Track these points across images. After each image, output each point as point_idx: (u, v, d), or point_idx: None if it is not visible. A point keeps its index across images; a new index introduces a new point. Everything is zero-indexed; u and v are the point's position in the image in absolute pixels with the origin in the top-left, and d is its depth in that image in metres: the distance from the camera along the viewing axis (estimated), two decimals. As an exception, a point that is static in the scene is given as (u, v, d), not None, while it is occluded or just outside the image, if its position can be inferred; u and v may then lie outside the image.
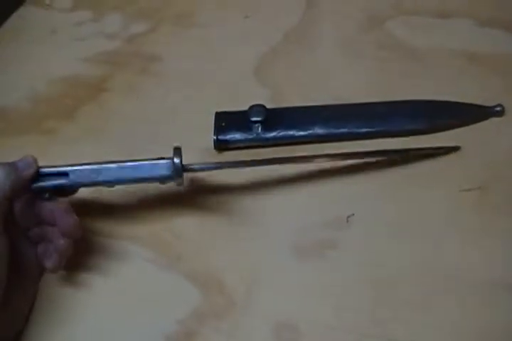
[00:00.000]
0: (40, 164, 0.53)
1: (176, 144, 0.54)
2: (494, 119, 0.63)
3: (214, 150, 0.64)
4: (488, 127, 0.63)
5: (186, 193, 0.58)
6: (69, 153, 0.64)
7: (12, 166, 0.51)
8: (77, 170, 0.54)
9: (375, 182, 0.60)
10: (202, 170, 0.56)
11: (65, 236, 0.53)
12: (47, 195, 0.53)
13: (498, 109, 0.63)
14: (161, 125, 0.66)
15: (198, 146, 0.64)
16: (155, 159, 0.54)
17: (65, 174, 0.53)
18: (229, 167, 0.57)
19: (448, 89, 0.65)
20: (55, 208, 0.53)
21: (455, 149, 0.61)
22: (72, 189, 0.55)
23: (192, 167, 0.55)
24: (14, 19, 0.79)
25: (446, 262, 0.55)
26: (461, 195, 0.58)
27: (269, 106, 0.63)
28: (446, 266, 0.54)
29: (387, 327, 0.52)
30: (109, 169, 0.54)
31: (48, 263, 0.53)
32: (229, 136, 0.63)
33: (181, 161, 0.53)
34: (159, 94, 0.69)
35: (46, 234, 0.54)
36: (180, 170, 0.53)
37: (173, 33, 0.74)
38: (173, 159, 0.53)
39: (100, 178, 0.54)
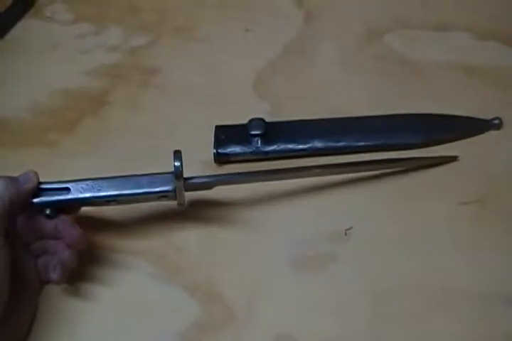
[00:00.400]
0: (41, 176, 0.54)
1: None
2: (492, 132, 0.64)
3: (214, 164, 0.64)
4: (486, 140, 0.63)
5: (186, 207, 0.58)
6: (69, 166, 0.65)
7: (12, 179, 0.52)
8: (78, 184, 0.54)
9: (373, 195, 0.60)
10: (202, 183, 0.56)
11: (70, 247, 0.53)
12: (48, 212, 0.53)
13: (496, 122, 0.63)
14: (162, 138, 0.66)
15: (199, 159, 0.64)
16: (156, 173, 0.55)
17: (66, 189, 0.54)
18: (228, 181, 0.58)
19: (446, 102, 0.66)
20: (59, 222, 0.53)
21: (453, 159, 0.61)
22: (73, 205, 0.55)
23: (193, 181, 0.56)
24: (15, 32, 0.80)
25: (444, 275, 0.55)
26: (459, 208, 0.59)
27: (268, 119, 0.64)
28: (444, 279, 0.55)
29: (385, 340, 0.52)
30: (111, 183, 0.54)
31: (53, 276, 0.53)
32: (229, 150, 0.63)
33: (181, 165, 0.53)
34: (160, 107, 0.70)
35: (48, 248, 0.54)
36: (180, 173, 0.53)
37: (174, 46, 0.75)
38: (173, 163, 0.53)
39: (101, 193, 0.54)
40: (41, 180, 0.54)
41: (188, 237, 0.59)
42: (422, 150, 0.63)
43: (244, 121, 0.64)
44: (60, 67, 0.75)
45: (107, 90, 0.72)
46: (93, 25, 0.79)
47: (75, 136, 0.68)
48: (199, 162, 0.64)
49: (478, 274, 0.55)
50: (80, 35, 0.78)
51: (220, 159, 0.64)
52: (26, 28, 0.80)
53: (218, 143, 0.64)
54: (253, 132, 0.62)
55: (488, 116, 0.64)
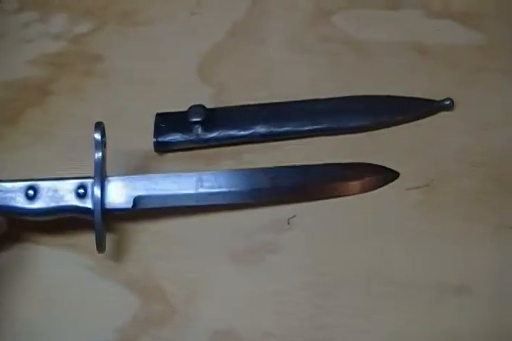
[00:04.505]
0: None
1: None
2: (443, 113, 0.61)
3: (155, 153, 0.62)
4: (437, 122, 0.61)
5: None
6: (14, 158, 0.63)
7: None
8: None
9: (317, 182, 0.58)
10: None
11: None
12: None
13: (447, 103, 0.61)
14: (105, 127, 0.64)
15: (139, 149, 0.62)
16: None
17: None
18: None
19: (397, 84, 0.63)
20: None
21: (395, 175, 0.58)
22: None
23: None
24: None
25: (392, 265, 0.53)
26: (408, 193, 0.57)
27: (213, 105, 0.62)
28: (392, 270, 0.53)
29: (328, 334, 0.51)
30: None
31: None
32: (169, 138, 0.61)
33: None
34: (103, 95, 0.67)
35: None
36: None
37: (118, 32, 0.72)
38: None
39: None
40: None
41: (127, 230, 0.57)
42: (371, 133, 0.61)
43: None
44: (4, 57, 0.73)
45: (51, 80, 0.69)
46: (38, 13, 0.76)
47: (18, 128, 0.66)
48: (140, 151, 0.62)
49: (426, 264, 0.53)
50: (25, 24, 0.75)
51: (160, 148, 0.61)
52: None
53: (158, 131, 0.61)
54: (193, 119, 0.60)
55: (440, 97, 0.61)
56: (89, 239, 0.55)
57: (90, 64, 0.70)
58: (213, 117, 0.61)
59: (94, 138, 0.54)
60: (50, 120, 0.66)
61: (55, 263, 0.57)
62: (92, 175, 0.54)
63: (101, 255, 0.55)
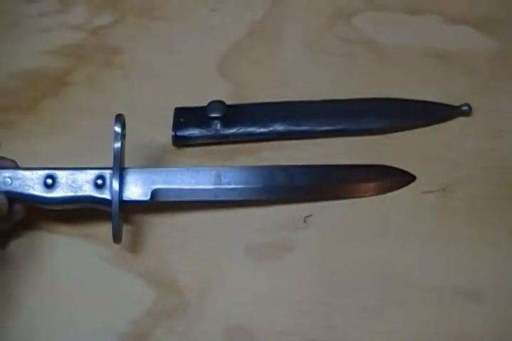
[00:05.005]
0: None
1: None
2: (461, 119, 0.62)
3: (173, 147, 0.62)
4: (455, 127, 0.61)
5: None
6: (31, 147, 0.63)
7: None
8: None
9: (333, 182, 0.59)
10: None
11: None
12: None
13: (465, 108, 0.61)
14: (124, 119, 0.65)
15: (158, 142, 0.62)
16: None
17: None
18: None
19: (414, 88, 0.64)
20: None
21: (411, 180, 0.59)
22: None
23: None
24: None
25: (404, 267, 0.54)
26: (423, 197, 0.57)
27: (232, 101, 0.62)
28: (404, 271, 0.54)
29: (340, 334, 0.51)
30: None
31: None
32: (188, 133, 0.61)
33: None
34: (122, 88, 0.67)
35: None
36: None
37: (138, 25, 0.72)
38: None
39: None
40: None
41: (144, 222, 0.58)
42: (388, 135, 0.61)
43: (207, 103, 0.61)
44: (22, 46, 0.72)
45: (69, 70, 0.69)
46: (58, 3, 0.76)
47: (34, 117, 0.66)
48: (158, 145, 0.62)
49: (440, 267, 0.54)
50: (43, 13, 0.75)
51: (179, 142, 0.62)
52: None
53: (177, 125, 0.62)
54: (212, 115, 0.60)
55: (457, 103, 0.62)
56: (105, 229, 0.55)
57: (109, 56, 0.70)
58: (232, 113, 0.61)
59: (114, 130, 0.54)
60: (66, 110, 0.67)
61: (70, 253, 0.57)
62: (110, 166, 0.54)
63: (117, 246, 0.55)
